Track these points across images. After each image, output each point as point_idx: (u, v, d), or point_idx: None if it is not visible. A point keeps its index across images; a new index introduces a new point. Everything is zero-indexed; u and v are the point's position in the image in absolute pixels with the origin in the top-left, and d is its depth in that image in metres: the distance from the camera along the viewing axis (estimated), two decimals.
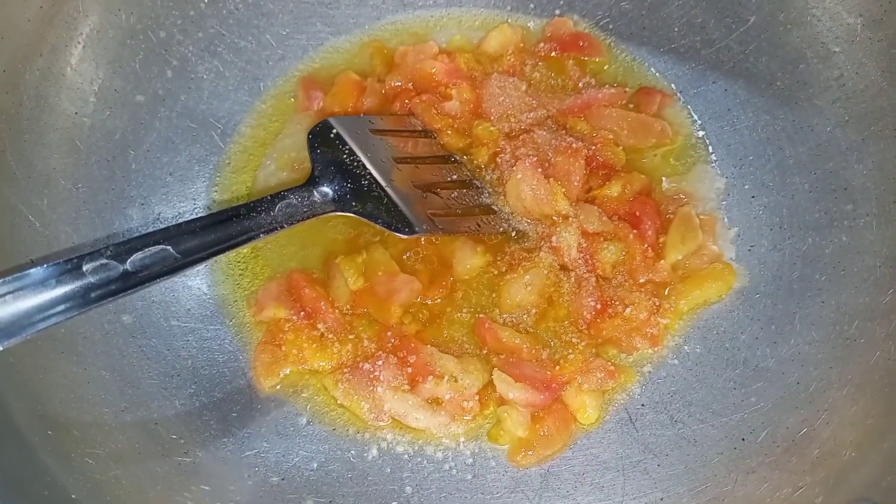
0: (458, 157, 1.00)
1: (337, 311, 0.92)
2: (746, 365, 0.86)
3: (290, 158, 1.02)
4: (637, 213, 0.95)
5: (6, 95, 0.85)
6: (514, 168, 0.95)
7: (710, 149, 1.00)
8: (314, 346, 0.90)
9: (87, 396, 0.79)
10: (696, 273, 0.93)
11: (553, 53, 1.06)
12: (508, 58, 1.06)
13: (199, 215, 0.96)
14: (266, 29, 1.05)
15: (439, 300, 0.94)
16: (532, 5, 1.09)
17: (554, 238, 0.93)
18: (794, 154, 0.94)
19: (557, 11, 1.08)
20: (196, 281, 0.95)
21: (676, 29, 1.04)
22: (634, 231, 0.93)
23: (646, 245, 0.93)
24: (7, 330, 0.63)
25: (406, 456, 0.87)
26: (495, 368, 0.88)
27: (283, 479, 0.83)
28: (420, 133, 1.00)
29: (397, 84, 1.04)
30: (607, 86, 1.03)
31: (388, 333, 0.91)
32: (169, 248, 0.72)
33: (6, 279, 0.64)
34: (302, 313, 0.92)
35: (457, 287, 0.95)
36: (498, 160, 0.98)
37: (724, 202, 0.97)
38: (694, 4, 1.02)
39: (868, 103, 0.90)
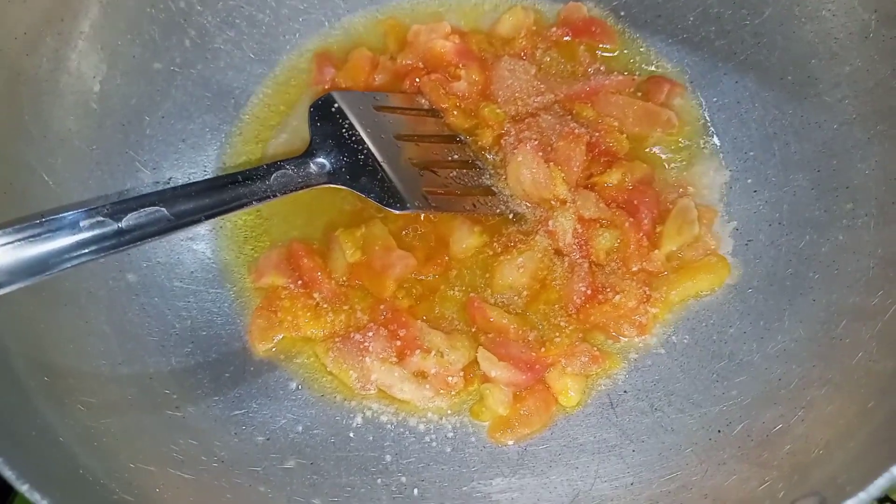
0: (463, 137, 1.01)
1: (333, 281, 0.95)
2: (731, 358, 0.86)
3: (301, 130, 1.04)
4: (635, 202, 0.95)
5: (26, 58, 0.88)
6: (515, 151, 0.96)
7: (717, 140, 0.99)
8: (308, 314, 0.93)
9: (86, 348, 0.83)
10: (689, 264, 0.93)
11: (565, 38, 1.07)
12: (520, 41, 1.06)
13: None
14: (284, 3, 1.07)
15: (434, 277, 0.96)
16: None
17: (550, 222, 0.94)
18: (800, 150, 0.93)
19: None
20: (200, 245, 0.98)
21: (691, 18, 1.03)
22: (631, 219, 0.93)
23: (641, 234, 0.93)
24: (6, 277, 0.67)
25: (389, 426, 0.89)
26: (480, 346, 0.89)
27: (268, 440, 0.86)
28: (426, 112, 1.01)
29: (408, 62, 1.06)
30: (616, 73, 1.03)
31: (381, 307, 0.93)
32: (163, 209, 0.75)
33: (6, 230, 0.68)
34: (299, 282, 0.95)
35: (452, 265, 0.96)
36: (502, 142, 0.99)
37: (726, 195, 0.96)
38: None
39: (876, 102, 0.88)
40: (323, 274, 0.95)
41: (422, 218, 0.97)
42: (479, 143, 1.01)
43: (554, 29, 1.06)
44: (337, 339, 0.91)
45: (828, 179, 0.90)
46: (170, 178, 1.00)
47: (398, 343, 0.90)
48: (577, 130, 0.96)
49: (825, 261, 0.86)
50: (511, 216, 0.97)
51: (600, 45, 1.06)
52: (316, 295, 0.94)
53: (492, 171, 0.99)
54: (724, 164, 0.98)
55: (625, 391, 0.88)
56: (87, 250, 0.70)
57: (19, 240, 0.68)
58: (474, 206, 0.95)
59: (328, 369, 0.91)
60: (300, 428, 0.88)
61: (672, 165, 0.99)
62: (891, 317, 0.77)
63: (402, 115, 0.99)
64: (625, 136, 0.99)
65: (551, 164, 0.94)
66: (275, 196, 0.84)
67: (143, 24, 0.99)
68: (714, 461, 0.77)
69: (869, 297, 0.80)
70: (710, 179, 0.98)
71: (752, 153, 0.97)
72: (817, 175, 0.91)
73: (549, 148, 0.96)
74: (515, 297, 0.93)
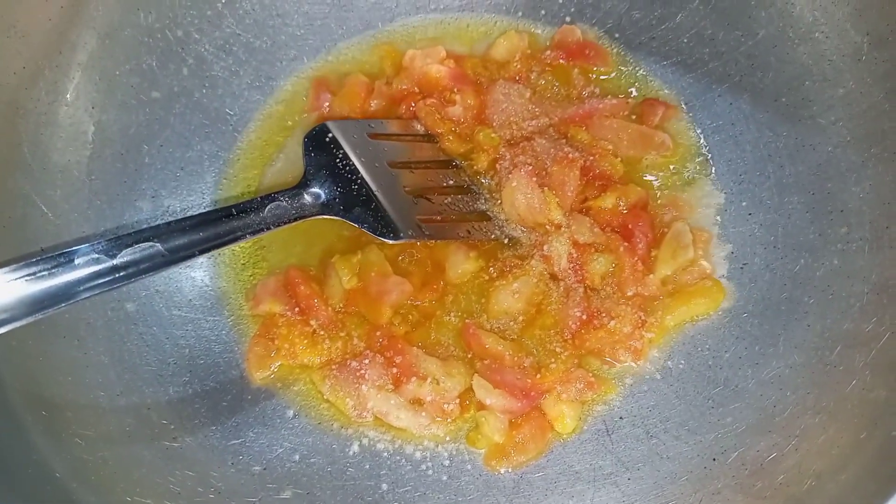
0: (458, 162, 1.01)
1: (330, 308, 0.95)
2: (727, 384, 0.86)
3: (298, 156, 1.04)
4: (630, 226, 0.95)
5: (25, 91, 0.89)
6: (510, 175, 0.97)
7: (711, 163, 0.99)
8: (305, 341, 0.93)
9: (84, 379, 0.84)
10: (684, 288, 0.93)
11: (560, 61, 1.07)
12: (515, 64, 1.07)
13: (193, 213, 1.00)
14: (281, 30, 1.08)
15: (430, 303, 0.96)
16: (543, 12, 1.09)
17: (546, 247, 0.94)
18: (794, 172, 0.93)
19: (568, 19, 1.09)
20: (199, 273, 0.98)
21: (685, 40, 1.03)
22: (626, 244, 0.94)
23: (636, 258, 0.93)
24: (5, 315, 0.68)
25: (386, 454, 0.89)
26: (475, 374, 0.89)
27: (264, 469, 0.87)
28: (421, 137, 1.02)
29: (404, 87, 1.06)
30: (610, 96, 1.03)
31: (378, 333, 0.94)
32: (158, 245, 0.76)
33: (5, 267, 0.69)
34: (296, 309, 0.95)
35: (448, 291, 0.97)
36: (497, 167, 0.99)
37: (721, 218, 0.96)
38: (704, 16, 1.02)
39: (870, 125, 0.88)
40: (320, 301, 0.95)
41: (417, 244, 0.98)
42: (475, 167, 1.01)
43: (548, 52, 1.07)
44: (333, 367, 0.92)
45: (822, 202, 0.90)
46: (168, 207, 1.01)
47: (394, 370, 0.91)
48: (571, 155, 0.96)
49: (820, 285, 0.86)
50: (506, 241, 0.97)
51: (595, 68, 1.06)
52: (313, 322, 0.95)
53: (487, 196, 0.99)
54: (719, 187, 0.98)
55: (620, 417, 0.88)
56: (83, 287, 0.71)
57: (19, 278, 0.68)
58: (469, 232, 0.95)
59: (325, 397, 0.92)
60: (297, 457, 0.88)
61: (666, 190, 0.99)
62: (884, 344, 0.76)
63: (397, 142, 0.99)
64: (619, 159, 0.99)
65: (546, 188, 0.95)
66: (269, 229, 0.85)
67: (141, 54, 1.00)
68: (709, 490, 0.77)
69: (863, 324, 0.80)
70: (705, 202, 0.98)
71: (746, 175, 0.97)
72: (812, 198, 0.91)
73: (544, 172, 0.96)
74: (511, 323, 0.94)
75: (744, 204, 0.96)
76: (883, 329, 0.77)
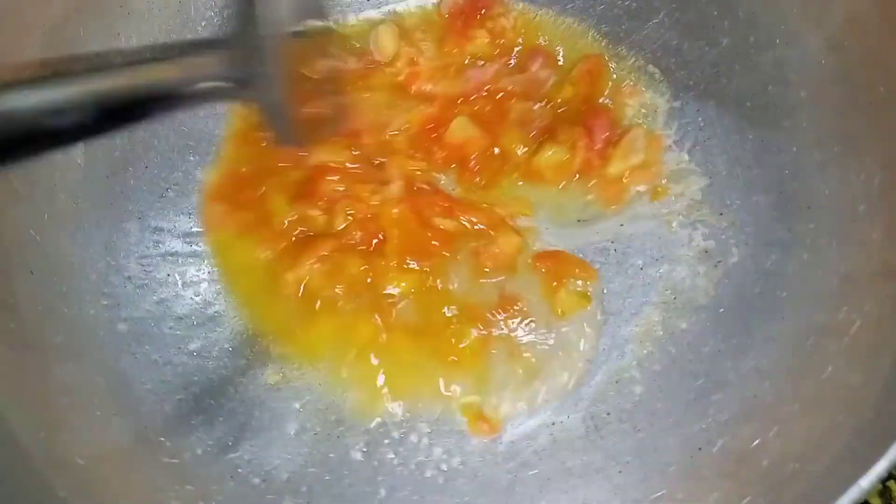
0: None
1: None
2: (708, 377, 0.89)
3: None
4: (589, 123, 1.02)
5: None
6: None
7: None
8: None
9: (80, 401, 0.84)
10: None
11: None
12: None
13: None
14: None
15: None
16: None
17: None
18: (761, 173, 0.97)
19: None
20: (188, 291, 1.00)
21: (652, 51, 1.07)
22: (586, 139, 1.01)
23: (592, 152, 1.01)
24: None
25: (382, 460, 0.91)
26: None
27: (263, 481, 0.88)
28: None
29: None
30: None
31: None
32: None
33: None
34: None
35: None
36: None
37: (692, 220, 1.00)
38: (670, 26, 1.06)
39: (831, 125, 0.92)
40: None
41: None
42: None
43: None
44: None
45: (790, 201, 0.94)
46: (156, 227, 1.02)
47: None
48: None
49: (792, 279, 0.90)
50: None
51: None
52: None
53: None
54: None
55: (608, 413, 0.91)
56: None
57: None
58: None
59: None
60: (295, 467, 0.90)
61: None
62: (856, 332, 0.80)
63: None
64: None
65: None
66: None
67: None
68: (696, 478, 0.81)
69: (835, 314, 0.84)
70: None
71: (715, 178, 1.01)
72: (780, 197, 0.95)
73: None
74: None
75: (715, 205, 1.00)
76: (854, 318, 0.81)
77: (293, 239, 0.99)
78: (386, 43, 1.06)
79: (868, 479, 0.62)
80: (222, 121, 1.07)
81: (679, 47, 1.06)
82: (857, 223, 0.88)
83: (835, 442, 0.71)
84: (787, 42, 0.97)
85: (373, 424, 0.94)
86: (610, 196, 1.02)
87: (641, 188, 1.02)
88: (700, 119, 1.04)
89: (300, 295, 0.97)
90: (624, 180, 1.02)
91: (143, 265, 0.99)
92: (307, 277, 0.96)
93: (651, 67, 1.07)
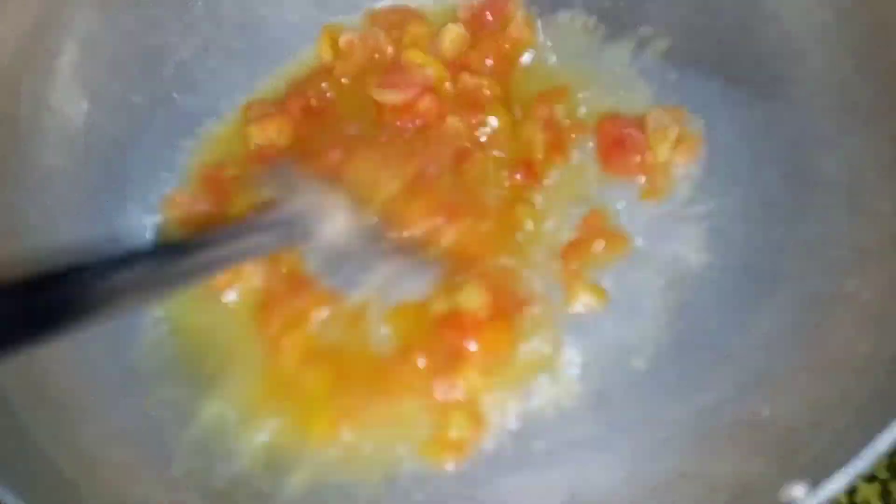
0: None
1: None
2: (715, 349, 0.88)
3: None
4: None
5: (7, 97, 0.90)
6: None
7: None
8: None
9: (86, 380, 0.84)
10: None
11: None
12: None
13: None
14: (261, 32, 1.09)
15: None
16: None
17: None
18: (769, 147, 0.96)
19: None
20: None
21: (656, 27, 1.06)
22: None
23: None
24: None
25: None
26: None
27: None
28: None
29: None
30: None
31: None
32: None
33: None
34: None
35: None
36: None
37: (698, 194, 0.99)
38: (672, 3, 1.05)
39: (840, 97, 0.92)
40: None
41: None
42: None
43: None
44: None
45: (798, 173, 0.93)
46: (155, 207, 1.01)
47: None
48: None
49: (800, 251, 0.89)
50: None
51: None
52: None
53: None
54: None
55: (615, 385, 0.90)
56: None
57: None
58: None
59: None
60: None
61: None
62: (865, 301, 0.80)
63: None
64: None
65: None
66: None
67: (120, 60, 1.01)
68: (708, 449, 0.80)
69: (843, 285, 0.83)
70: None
71: (721, 152, 1.00)
72: (788, 169, 0.94)
73: None
74: None
75: (723, 177, 0.98)
76: (862, 288, 0.80)
77: None
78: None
79: (885, 441, 0.62)
80: (221, 100, 1.06)
81: (682, 24, 1.04)
82: (867, 195, 0.87)
83: (847, 407, 0.71)
84: (792, 14, 0.96)
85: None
86: (659, 185, 0.98)
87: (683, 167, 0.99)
88: (706, 93, 1.02)
89: None
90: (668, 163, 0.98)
91: None
92: None
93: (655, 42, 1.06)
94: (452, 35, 1.02)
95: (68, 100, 0.96)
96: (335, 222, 0.90)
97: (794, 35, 0.96)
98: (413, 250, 0.93)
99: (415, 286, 0.92)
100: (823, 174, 0.91)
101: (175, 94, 1.04)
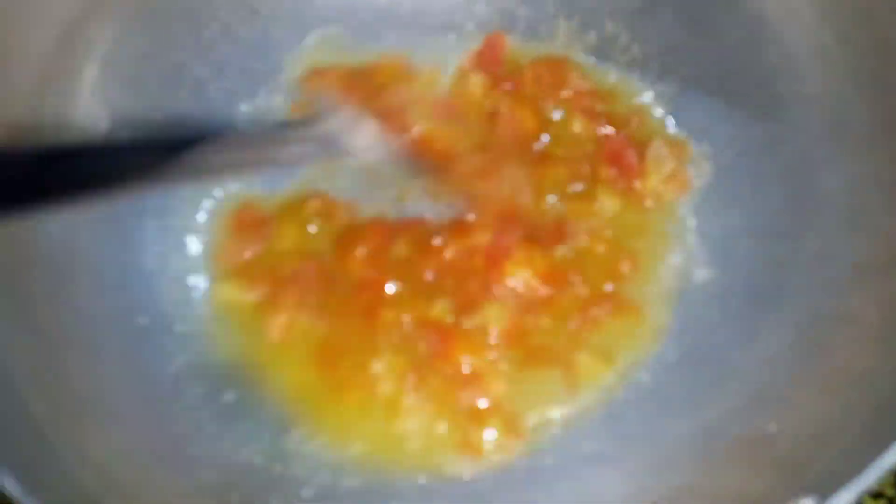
0: None
1: None
2: (720, 365, 0.90)
3: None
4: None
5: (30, 116, 0.92)
6: None
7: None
8: None
9: (102, 392, 0.86)
10: None
11: None
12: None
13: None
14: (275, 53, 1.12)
15: None
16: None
17: None
18: (770, 166, 0.99)
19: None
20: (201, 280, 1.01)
21: (658, 49, 1.08)
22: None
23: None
24: None
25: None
26: None
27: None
28: None
29: None
30: None
31: None
32: None
33: None
34: None
35: None
36: None
37: (701, 212, 1.01)
38: (675, 23, 1.07)
39: (839, 118, 0.94)
40: None
41: None
42: None
43: None
44: None
45: (800, 192, 0.95)
46: (173, 225, 1.03)
47: None
48: None
49: (802, 269, 0.91)
50: None
51: None
52: None
53: None
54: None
55: (620, 401, 0.91)
56: None
57: None
58: None
59: None
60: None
61: None
62: (867, 318, 0.82)
63: None
64: None
65: None
66: None
67: (139, 78, 1.03)
68: (713, 464, 0.81)
69: (844, 302, 0.85)
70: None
71: (723, 171, 1.02)
72: (790, 188, 0.96)
73: None
74: None
75: (724, 195, 1.01)
76: (865, 305, 0.82)
77: None
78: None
79: (891, 457, 0.63)
80: (236, 118, 1.09)
81: (686, 45, 1.07)
82: (868, 213, 0.89)
83: (853, 423, 0.72)
84: (794, 37, 0.99)
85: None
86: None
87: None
88: (708, 113, 1.04)
89: None
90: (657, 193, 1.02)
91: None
92: None
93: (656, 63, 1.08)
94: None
95: (89, 116, 0.98)
96: (370, 142, 0.94)
97: (795, 56, 0.98)
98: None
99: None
100: (824, 193, 0.93)
101: (193, 113, 1.05)
